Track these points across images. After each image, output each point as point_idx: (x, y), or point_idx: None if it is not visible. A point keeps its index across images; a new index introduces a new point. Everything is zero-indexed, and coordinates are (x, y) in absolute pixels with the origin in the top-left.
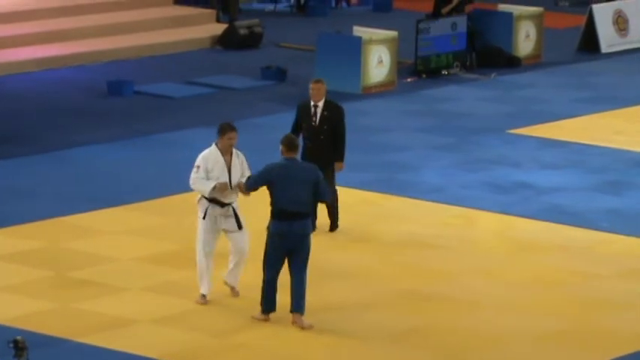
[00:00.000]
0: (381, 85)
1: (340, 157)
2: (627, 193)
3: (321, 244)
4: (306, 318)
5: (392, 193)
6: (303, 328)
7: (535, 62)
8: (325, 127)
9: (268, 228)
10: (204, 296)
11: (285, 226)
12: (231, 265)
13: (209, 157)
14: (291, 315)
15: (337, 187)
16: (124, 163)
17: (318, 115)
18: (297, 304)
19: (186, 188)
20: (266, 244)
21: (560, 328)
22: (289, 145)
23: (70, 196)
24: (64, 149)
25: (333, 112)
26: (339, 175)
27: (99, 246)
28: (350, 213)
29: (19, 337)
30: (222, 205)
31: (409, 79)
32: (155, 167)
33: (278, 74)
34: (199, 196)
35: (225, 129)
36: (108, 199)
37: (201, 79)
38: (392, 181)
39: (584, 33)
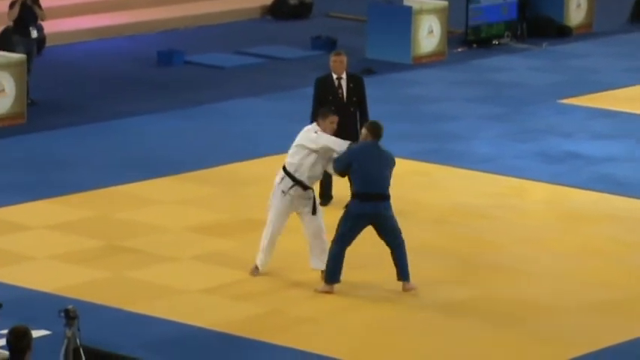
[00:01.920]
0: (432, 55)
1: None
2: None
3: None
4: (364, 288)
5: (442, 164)
6: (414, 289)
7: (586, 32)
8: (354, 99)
9: (348, 207)
10: (257, 268)
11: (369, 207)
12: (316, 251)
13: None
14: (401, 283)
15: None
16: (173, 133)
17: (345, 88)
18: (405, 273)
19: (236, 159)
20: (343, 221)
21: (611, 298)
22: (375, 130)
23: (120, 166)
24: (115, 119)
25: (358, 84)
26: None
27: (149, 216)
28: (400, 183)
29: (70, 306)
30: (305, 187)
31: (459, 49)
32: (205, 137)
33: (328, 44)
34: (282, 174)
35: (327, 114)
36: (158, 169)
37: (251, 49)
38: (442, 151)
39: (635, 2)
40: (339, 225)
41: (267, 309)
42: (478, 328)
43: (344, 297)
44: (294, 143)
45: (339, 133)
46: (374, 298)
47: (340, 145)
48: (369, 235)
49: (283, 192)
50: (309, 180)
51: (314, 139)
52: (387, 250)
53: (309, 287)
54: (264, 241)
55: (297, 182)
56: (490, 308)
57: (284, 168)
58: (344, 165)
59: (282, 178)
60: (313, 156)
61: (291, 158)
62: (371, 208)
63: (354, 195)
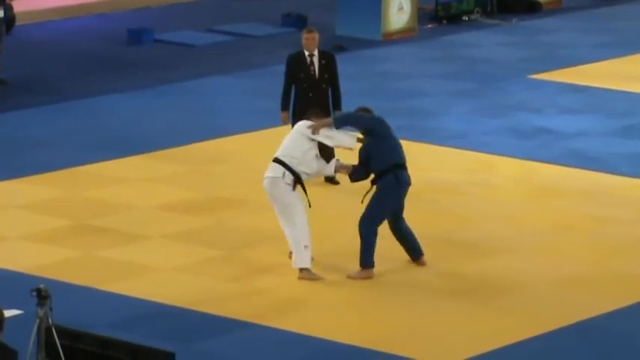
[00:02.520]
0: (402, 31)
1: (339, 106)
2: None
3: (340, 193)
4: (336, 263)
5: (413, 140)
6: (426, 264)
7: (556, 7)
8: (326, 75)
9: (381, 184)
10: (308, 269)
11: (408, 177)
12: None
13: None
14: (415, 261)
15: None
16: (144, 112)
17: (317, 65)
18: (419, 250)
19: (205, 137)
20: (379, 199)
21: (581, 273)
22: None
23: (90, 145)
24: (85, 98)
25: (329, 61)
26: None
27: (120, 194)
28: None
29: (41, 286)
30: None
31: (430, 26)
32: (175, 115)
33: (298, 21)
34: (282, 169)
35: (319, 113)
36: (128, 148)
37: (221, 26)
38: (413, 127)
39: None
40: (374, 206)
41: (238, 287)
42: (451, 304)
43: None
44: (294, 136)
45: (310, 111)
46: (340, 273)
47: (352, 139)
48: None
49: (289, 184)
50: (306, 176)
51: (327, 134)
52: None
53: (281, 267)
54: (306, 240)
55: (296, 177)
56: (462, 284)
57: (282, 162)
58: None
59: (284, 173)
60: (314, 152)
61: (294, 152)
62: (409, 178)
63: (387, 169)
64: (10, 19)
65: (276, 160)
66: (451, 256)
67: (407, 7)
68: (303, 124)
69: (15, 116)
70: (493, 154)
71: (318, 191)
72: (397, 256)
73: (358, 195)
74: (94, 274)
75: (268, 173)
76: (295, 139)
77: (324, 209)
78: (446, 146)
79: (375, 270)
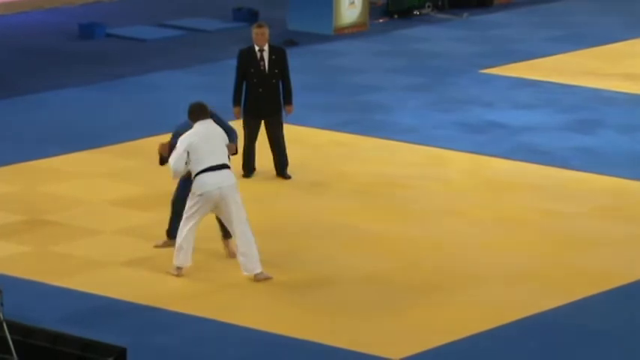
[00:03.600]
0: (353, 25)
1: (290, 100)
2: (599, 132)
3: (290, 186)
4: (272, 254)
5: (364, 134)
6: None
7: (507, 2)
8: (276, 70)
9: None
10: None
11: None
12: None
13: None
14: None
15: (308, 129)
16: (95, 106)
17: (267, 60)
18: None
19: (157, 132)
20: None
21: (532, 267)
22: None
23: (42, 140)
24: (36, 92)
25: (280, 55)
26: (310, 117)
27: (71, 189)
28: (321, 154)
29: None
30: None
31: (381, 20)
32: (126, 110)
33: (249, 16)
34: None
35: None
36: (79, 143)
37: (172, 21)
38: (364, 122)
39: None
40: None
41: (190, 282)
42: (401, 298)
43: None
44: (221, 141)
45: (261, 105)
46: (283, 269)
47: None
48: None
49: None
50: None
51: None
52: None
53: (230, 262)
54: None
55: None
56: (408, 278)
57: (229, 167)
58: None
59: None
60: None
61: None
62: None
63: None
64: None
65: (227, 167)
66: (403, 250)
67: (358, 2)
68: (217, 131)
69: None
70: (444, 148)
71: (268, 186)
72: (346, 247)
73: (310, 189)
74: (46, 269)
75: (229, 181)
76: (222, 143)
77: (274, 204)
78: (397, 140)
79: (332, 268)
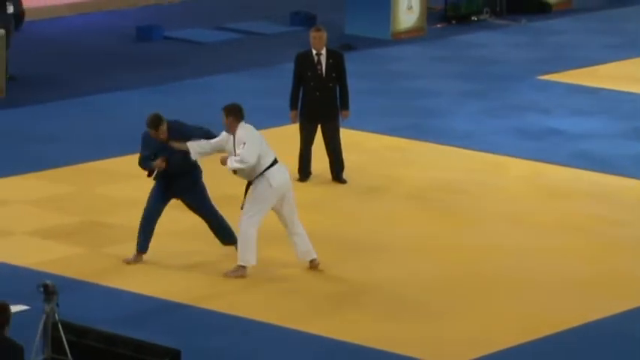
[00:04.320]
0: (411, 30)
1: (347, 105)
2: None
3: (345, 190)
4: (329, 259)
5: (420, 139)
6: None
7: (565, 8)
8: (333, 75)
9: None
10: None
11: None
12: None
13: None
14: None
15: (364, 133)
16: (152, 108)
17: (324, 64)
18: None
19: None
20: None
21: (588, 274)
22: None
23: (99, 141)
24: (93, 94)
25: (337, 60)
26: (366, 121)
27: (128, 191)
28: (377, 159)
29: (48, 282)
30: None
31: (439, 25)
32: (183, 113)
33: (307, 20)
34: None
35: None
36: (136, 144)
37: (230, 24)
38: (420, 127)
39: None
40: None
41: (240, 283)
42: (458, 303)
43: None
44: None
45: (317, 109)
46: (339, 269)
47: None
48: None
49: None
50: None
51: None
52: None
53: (286, 266)
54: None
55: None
56: (465, 284)
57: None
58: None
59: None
60: None
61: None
62: None
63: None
64: (19, 15)
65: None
66: (459, 256)
67: (416, 7)
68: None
69: (24, 112)
70: (501, 154)
71: (324, 190)
72: (401, 251)
73: (366, 194)
74: (101, 271)
75: (288, 176)
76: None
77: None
78: (453, 146)
79: (387, 273)
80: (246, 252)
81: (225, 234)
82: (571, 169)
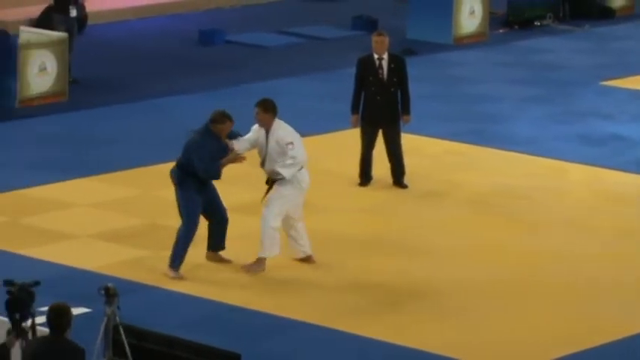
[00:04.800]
0: (473, 35)
1: (408, 110)
2: None
3: (406, 195)
4: (388, 263)
5: (482, 144)
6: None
7: (628, 13)
8: (394, 79)
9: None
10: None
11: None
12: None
13: None
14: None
15: (425, 138)
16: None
17: (385, 68)
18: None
19: None
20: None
21: None
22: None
23: (161, 145)
24: (156, 97)
25: (399, 64)
26: (427, 126)
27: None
28: (438, 163)
29: (109, 284)
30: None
31: (501, 30)
32: (245, 117)
33: (368, 24)
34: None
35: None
36: None
37: (292, 28)
38: (482, 132)
39: None
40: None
41: (296, 287)
42: (518, 308)
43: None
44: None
45: (378, 113)
46: (394, 272)
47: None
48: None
49: (302, 186)
50: None
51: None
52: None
53: (344, 269)
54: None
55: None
56: (530, 289)
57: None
58: None
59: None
60: None
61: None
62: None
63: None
64: (82, 18)
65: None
66: (519, 261)
67: (478, 12)
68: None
69: (86, 115)
70: (563, 160)
71: (385, 195)
72: (461, 257)
73: (427, 199)
74: (162, 274)
75: None
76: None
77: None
78: (516, 151)
79: (447, 277)
80: (273, 245)
81: (221, 240)
82: (633, 175)
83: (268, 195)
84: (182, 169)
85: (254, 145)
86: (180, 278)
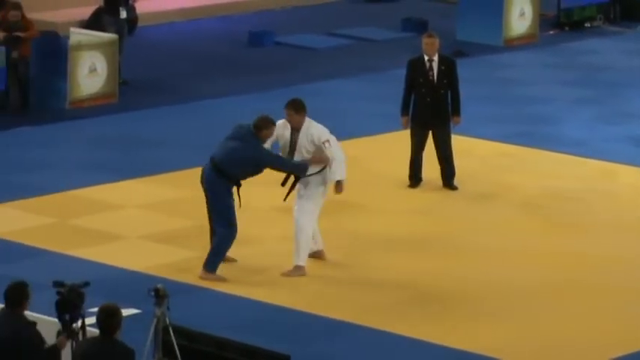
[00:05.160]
0: (523, 37)
1: (458, 111)
2: None
3: (456, 197)
4: (437, 265)
5: (532, 146)
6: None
7: None
8: (445, 81)
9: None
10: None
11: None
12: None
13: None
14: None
15: (475, 139)
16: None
17: (435, 70)
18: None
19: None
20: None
21: None
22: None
23: (210, 146)
24: (205, 99)
25: (449, 66)
26: (477, 127)
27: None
28: (488, 165)
29: (159, 285)
30: None
31: (551, 32)
32: None
33: (418, 26)
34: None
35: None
36: None
37: (342, 30)
38: (532, 134)
39: None
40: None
41: (353, 289)
42: (568, 311)
43: None
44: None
45: (428, 115)
46: (444, 274)
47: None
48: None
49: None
50: None
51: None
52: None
53: (394, 269)
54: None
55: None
56: (580, 292)
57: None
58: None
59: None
60: None
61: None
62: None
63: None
64: (132, 19)
65: None
66: (569, 264)
67: (528, 13)
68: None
69: (136, 116)
70: (613, 162)
71: (435, 196)
72: (510, 259)
73: (476, 200)
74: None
75: None
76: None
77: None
78: (566, 153)
79: (497, 279)
80: (306, 251)
81: None
82: None
83: (299, 199)
84: (216, 170)
85: (273, 140)
86: (219, 280)
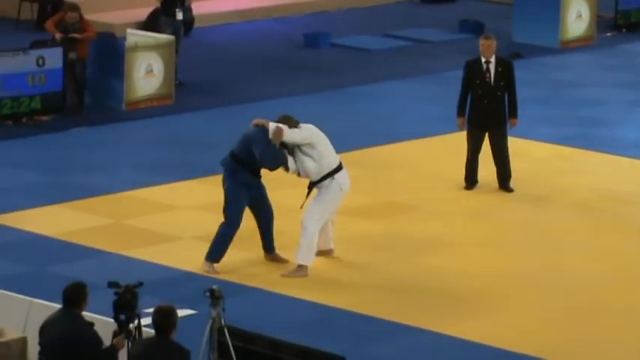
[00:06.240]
0: (580, 39)
1: (515, 113)
2: None
3: (512, 199)
4: (492, 266)
5: (588, 149)
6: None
7: None
8: (501, 83)
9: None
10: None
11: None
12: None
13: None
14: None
15: (531, 142)
16: (318, 116)
17: (492, 72)
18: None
19: (381, 141)
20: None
21: None
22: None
23: None
24: (261, 100)
25: (506, 68)
26: (534, 130)
27: (292, 198)
28: (545, 167)
29: (215, 286)
30: None
31: (609, 34)
32: (350, 120)
33: (475, 28)
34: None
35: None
36: None
37: (398, 32)
38: (589, 136)
39: None
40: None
41: (407, 292)
42: (620, 318)
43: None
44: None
45: (484, 117)
46: (498, 276)
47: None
48: None
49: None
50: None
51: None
52: None
53: (450, 273)
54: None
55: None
56: (635, 297)
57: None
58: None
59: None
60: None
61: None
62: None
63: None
64: (189, 21)
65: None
66: (624, 268)
67: (585, 15)
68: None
69: (192, 117)
70: None
71: (491, 198)
72: (560, 261)
73: (532, 203)
74: (267, 277)
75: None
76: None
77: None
78: (622, 156)
79: (552, 281)
80: (311, 252)
81: (271, 239)
82: None
83: (308, 201)
84: (236, 160)
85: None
86: (216, 273)
